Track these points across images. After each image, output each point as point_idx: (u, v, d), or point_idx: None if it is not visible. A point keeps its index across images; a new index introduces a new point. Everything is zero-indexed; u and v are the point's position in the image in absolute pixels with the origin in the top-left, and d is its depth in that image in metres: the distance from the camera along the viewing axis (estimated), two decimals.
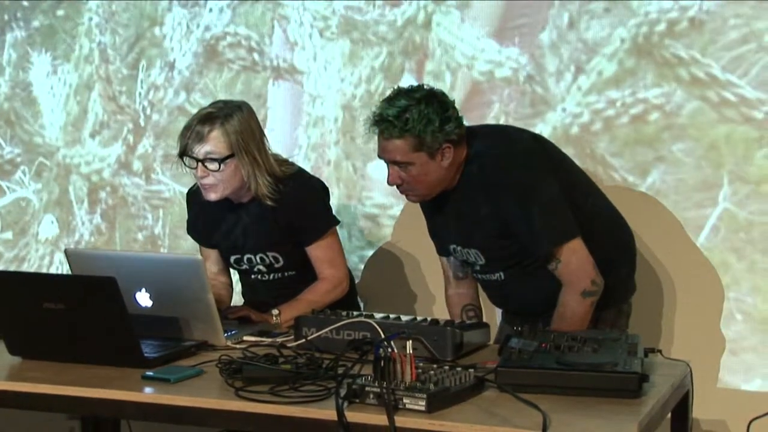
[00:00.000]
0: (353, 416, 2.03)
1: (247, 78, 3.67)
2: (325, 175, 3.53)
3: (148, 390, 2.26)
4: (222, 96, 3.64)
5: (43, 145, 4.01)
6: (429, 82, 3.34)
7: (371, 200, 3.52)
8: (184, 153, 2.85)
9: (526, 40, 3.29)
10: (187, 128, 2.85)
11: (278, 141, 3.58)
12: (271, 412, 2.11)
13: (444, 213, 2.84)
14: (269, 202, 2.90)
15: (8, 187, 4.07)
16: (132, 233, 3.89)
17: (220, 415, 2.17)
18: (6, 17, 3.99)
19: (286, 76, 3.62)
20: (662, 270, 3.22)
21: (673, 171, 3.16)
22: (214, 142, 2.82)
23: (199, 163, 2.83)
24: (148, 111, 3.82)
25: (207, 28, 3.71)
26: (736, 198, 3.10)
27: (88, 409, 2.40)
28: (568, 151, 3.17)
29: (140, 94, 3.83)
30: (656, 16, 3.14)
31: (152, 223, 3.86)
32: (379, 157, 2.77)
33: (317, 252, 2.96)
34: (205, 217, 3.06)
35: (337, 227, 3.02)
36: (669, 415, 2.37)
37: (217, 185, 2.86)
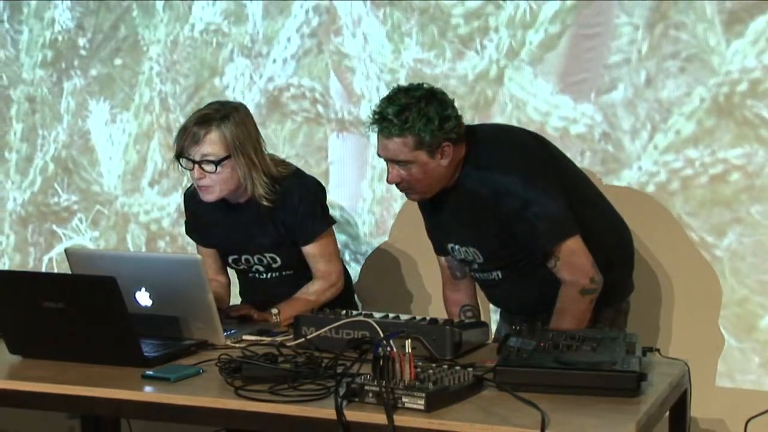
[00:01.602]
0: (352, 415, 2.03)
1: (309, 130, 3.62)
2: (389, 226, 3.54)
3: (148, 389, 2.27)
4: (286, 149, 3.61)
5: (101, 194, 3.97)
6: None
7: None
8: (180, 155, 2.85)
9: (600, 97, 3.23)
10: (184, 130, 2.86)
11: (342, 194, 3.58)
12: (270, 411, 2.12)
13: (442, 211, 2.85)
14: (266, 203, 2.90)
15: (65, 234, 4.04)
16: None
17: (219, 414, 2.18)
18: (64, 65, 3.97)
19: (351, 128, 3.57)
20: (660, 269, 3.22)
21: (750, 233, 3.10)
22: (211, 144, 2.82)
23: (196, 165, 2.84)
24: None
25: (270, 79, 3.66)
26: None
27: (88, 408, 2.41)
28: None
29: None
30: (738, 75, 3.07)
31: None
32: (379, 155, 2.77)
33: (313, 251, 2.97)
34: (202, 218, 3.06)
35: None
36: (667, 413, 2.37)
37: (214, 186, 2.87)
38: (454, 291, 3.01)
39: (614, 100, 3.22)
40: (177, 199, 3.83)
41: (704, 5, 3.10)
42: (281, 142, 3.65)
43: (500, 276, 2.83)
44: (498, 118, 3.34)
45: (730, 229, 3.13)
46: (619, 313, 2.91)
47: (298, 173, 3.00)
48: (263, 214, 2.94)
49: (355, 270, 3.55)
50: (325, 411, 2.06)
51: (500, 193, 2.69)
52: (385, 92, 3.43)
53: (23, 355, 2.52)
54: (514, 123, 3.30)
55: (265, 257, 3.01)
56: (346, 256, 3.52)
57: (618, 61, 3.21)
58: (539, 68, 3.31)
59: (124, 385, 2.28)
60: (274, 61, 3.66)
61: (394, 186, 2.79)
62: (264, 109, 3.67)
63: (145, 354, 2.42)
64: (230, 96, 3.70)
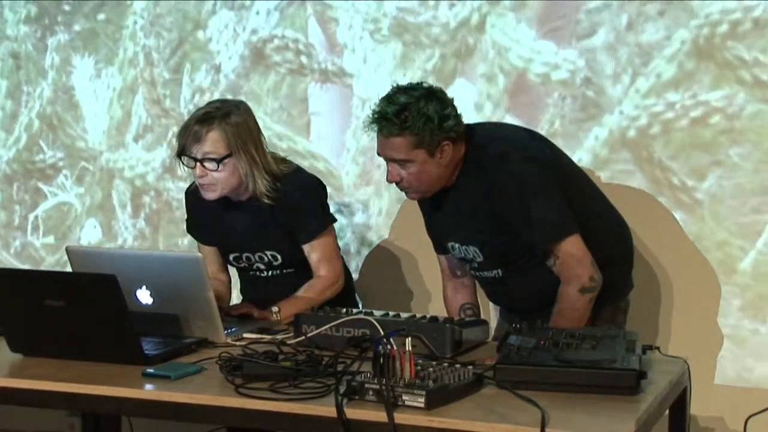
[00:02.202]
0: (352, 413, 2.04)
1: (293, 81, 3.61)
2: (376, 178, 3.53)
3: (148, 387, 2.27)
4: (269, 100, 3.60)
5: (86, 150, 3.97)
6: (482, 84, 3.32)
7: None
8: (182, 153, 2.86)
9: (582, 42, 3.23)
10: (185, 128, 2.86)
11: (325, 145, 3.57)
12: (271, 409, 2.12)
13: (442, 210, 2.85)
14: (267, 201, 2.91)
15: (50, 192, 4.04)
16: (175, 238, 3.85)
17: (220, 412, 2.18)
18: (47, 21, 3.97)
19: (335, 79, 3.56)
20: (660, 267, 3.23)
21: (730, 175, 3.11)
22: (212, 142, 2.83)
23: (198, 163, 2.84)
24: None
25: (254, 31, 3.65)
26: None
27: (89, 406, 2.41)
28: (624, 154, 3.16)
29: (185, 97, 3.78)
30: (718, 17, 3.07)
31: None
32: (379, 154, 2.77)
33: (314, 250, 2.97)
34: (203, 216, 3.07)
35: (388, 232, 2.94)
36: (667, 411, 2.38)
37: (216, 185, 2.87)
38: (454, 289, 3.02)
39: (595, 44, 3.23)
40: (162, 153, 3.85)
41: None
42: (265, 93, 3.64)
43: (500, 274, 2.84)
44: (480, 66, 3.35)
45: (710, 171, 3.13)
46: (618, 311, 2.91)
47: (299, 171, 3.00)
48: (264, 212, 2.94)
49: (354, 264, 3.56)
50: (326, 409, 2.06)
51: (499, 192, 2.70)
52: (368, 42, 3.47)
53: (24, 353, 2.53)
54: (496, 70, 3.32)
55: (265, 255, 3.01)
56: (332, 208, 3.52)
57: (599, 6, 3.22)
58: (521, 14, 3.31)
59: (124, 383, 2.28)
60: (258, 12, 3.65)
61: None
62: (248, 61, 3.68)
63: (146, 352, 2.42)
64: (214, 48, 3.70)
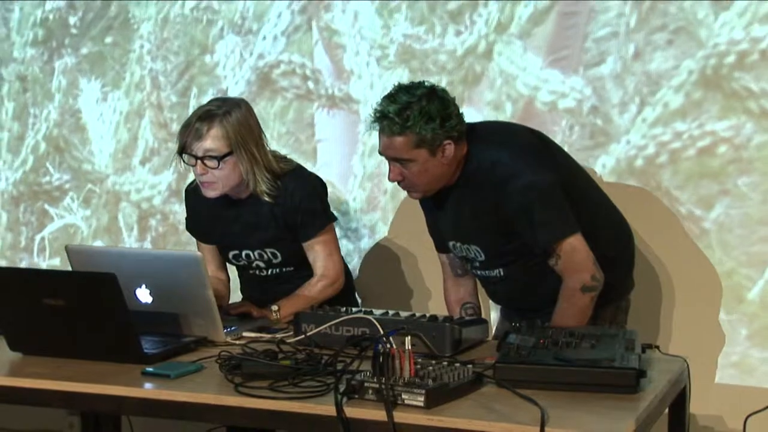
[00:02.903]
0: (352, 412, 2.04)
1: (300, 106, 3.62)
2: (382, 204, 3.54)
3: (148, 386, 2.27)
4: (276, 126, 3.62)
5: (93, 172, 3.97)
6: (489, 112, 3.32)
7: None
8: (183, 150, 2.86)
9: (589, 71, 3.23)
10: (187, 126, 2.86)
11: (332, 170, 3.57)
12: (270, 408, 2.12)
13: (444, 209, 2.85)
14: (267, 199, 2.91)
15: (57, 214, 4.04)
16: None
17: (219, 411, 2.18)
18: (55, 44, 3.97)
19: (342, 105, 3.57)
20: (660, 266, 3.22)
21: (738, 205, 3.11)
22: (213, 140, 2.83)
23: (198, 161, 2.84)
24: None
25: (260, 56, 3.65)
26: None
27: (88, 405, 2.41)
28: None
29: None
30: (725, 48, 3.07)
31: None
32: (380, 153, 2.77)
33: (314, 248, 2.97)
34: (203, 214, 3.07)
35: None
36: (666, 410, 2.37)
37: (216, 182, 2.87)
38: (455, 288, 3.01)
39: (603, 73, 3.23)
40: (168, 177, 3.85)
41: None
42: (272, 118, 3.65)
43: (501, 273, 2.83)
44: (487, 93, 3.35)
45: (718, 201, 3.12)
46: (619, 310, 2.91)
47: (299, 169, 3.00)
48: (264, 210, 2.94)
49: (353, 265, 3.55)
50: (325, 408, 2.06)
51: (501, 191, 2.69)
52: (375, 68, 3.47)
53: (23, 352, 2.53)
54: (503, 98, 3.32)
55: (265, 253, 3.01)
56: (338, 232, 3.53)
57: (606, 35, 3.21)
58: (528, 42, 3.31)
59: (124, 382, 2.28)
60: (264, 37, 3.66)
61: (383, 162, 2.78)
62: (254, 86, 3.68)
63: (145, 351, 2.43)
64: (221, 73, 3.71)
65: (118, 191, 3.94)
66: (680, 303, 3.22)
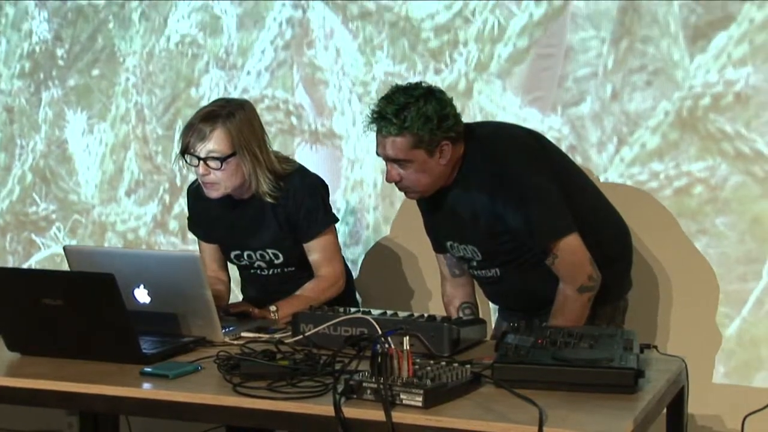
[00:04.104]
0: (350, 412, 2.04)
1: (284, 140, 3.64)
2: (364, 239, 3.57)
3: (146, 386, 2.27)
4: None
5: (79, 203, 4.00)
6: None
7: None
8: (185, 151, 2.86)
9: (567, 110, 3.27)
10: (190, 126, 2.86)
11: None
12: (268, 408, 2.12)
13: (441, 209, 2.85)
14: (269, 200, 2.91)
15: (43, 243, 4.07)
16: None
17: (218, 411, 2.18)
18: (42, 76, 4.00)
19: (325, 140, 3.60)
20: (658, 266, 3.23)
21: (716, 244, 3.14)
22: (216, 141, 2.83)
23: (201, 161, 2.84)
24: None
25: (245, 90, 3.68)
26: None
27: (87, 405, 2.41)
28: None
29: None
30: (701, 90, 3.11)
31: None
32: (378, 154, 2.77)
33: (315, 249, 2.97)
34: (205, 214, 3.07)
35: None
36: (665, 410, 2.38)
37: (219, 183, 2.87)
38: (453, 288, 3.02)
39: (581, 113, 3.26)
40: (153, 209, 3.89)
41: (669, 20, 3.14)
42: None
43: (498, 273, 2.84)
44: None
45: (696, 240, 3.16)
46: (617, 310, 2.91)
47: (302, 170, 3.00)
48: (266, 210, 2.94)
49: (353, 268, 3.55)
50: (324, 408, 2.06)
51: (498, 192, 2.70)
52: (357, 105, 3.51)
53: (22, 352, 2.53)
54: None
55: (267, 253, 3.01)
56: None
57: (585, 75, 3.25)
58: (508, 81, 3.35)
59: (122, 382, 2.28)
60: (249, 72, 3.70)
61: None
62: None
63: (144, 351, 2.42)
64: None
65: (104, 222, 3.98)
66: (678, 303, 3.22)
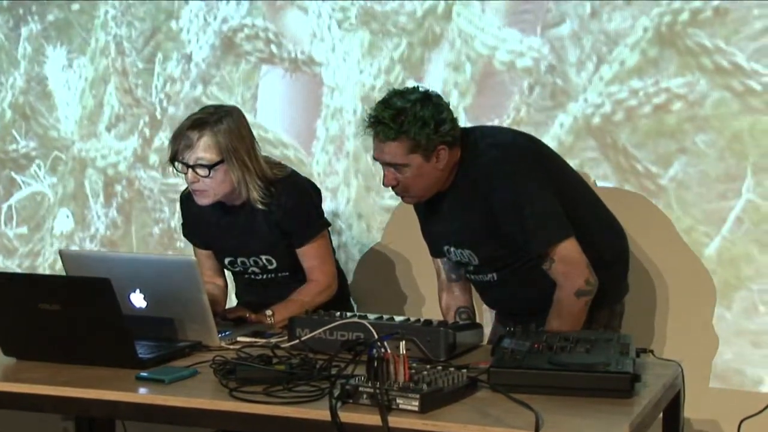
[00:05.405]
0: (347, 416, 2.03)
1: (264, 70, 3.65)
2: (344, 167, 3.55)
3: (142, 390, 2.27)
4: (241, 90, 3.64)
5: (59, 139, 3.99)
6: (449, 72, 3.35)
7: (390, 192, 3.45)
8: (174, 158, 2.86)
9: (547, 31, 3.27)
10: (178, 134, 2.86)
11: (296, 133, 3.61)
12: (265, 413, 2.12)
13: (438, 214, 2.85)
14: (260, 206, 2.91)
15: (23, 182, 4.06)
16: (148, 227, 3.87)
17: (214, 416, 2.18)
18: (21, 11, 3.99)
19: (304, 68, 3.60)
20: (655, 271, 3.23)
21: (695, 162, 3.13)
22: (204, 148, 2.83)
23: (190, 169, 2.84)
24: (165, 104, 3.80)
25: (224, 20, 3.68)
26: (760, 189, 3.08)
27: (83, 410, 2.41)
28: (590, 142, 3.18)
29: (156, 87, 3.81)
30: (679, 5, 3.11)
31: (168, 217, 3.85)
32: (374, 159, 2.77)
33: (307, 254, 2.97)
34: (199, 220, 3.07)
35: (356, 221, 2.95)
36: (661, 414, 2.38)
37: (208, 191, 2.87)
38: (450, 293, 3.01)
39: (561, 33, 3.26)
40: (133, 143, 3.88)
41: None
42: (236, 83, 3.68)
43: (495, 278, 2.84)
44: (447, 54, 3.38)
45: (676, 159, 3.15)
46: (613, 314, 2.91)
47: (293, 175, 3.00)
48: (258, 217, 2.94)
49: (349, 269, 3.55)
50: (320, 412, 2.06)
51: (494, 196, 2.70)
52: (336, 31, 3.51)
53: (18, 357, 2.52)
54: (463, 59, 3.35)
55: (260, 259, 3.01)
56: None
57: None
58: (486, 3, 3.35)
59: (118, 387, 2.28)
60: (228, 2, 3.68)
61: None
62: (219, 50, 3.71)
63: (140, 355, 2.42)
64: (185, 38, 3.73)
65: (84, 158, 3.96)
66: (674, 307, 3.22)
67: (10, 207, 4.08)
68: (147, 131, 3.84)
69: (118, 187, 3.92)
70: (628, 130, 3.20)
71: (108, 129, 3.91)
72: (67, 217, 4.01)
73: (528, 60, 3.31)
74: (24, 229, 4.05)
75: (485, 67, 3.36)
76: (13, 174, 4.07)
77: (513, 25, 3.32)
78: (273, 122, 3.67)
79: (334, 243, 3.24)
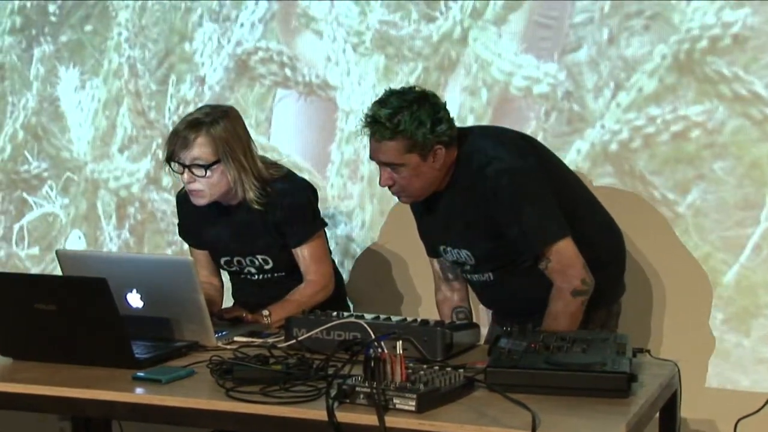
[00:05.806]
0: (343, 416, 2.03)
1: (280, 94, 3.63)
2: (359, 191, 3.55)
3: (139, 390, 2.27)
4: (255, 113, 3.64)
5: (71, 160, 3.98)
6: (465, 97, 3.34)
7: (405, 216, 3.41)
8: (170, 158, 2.86)
9: (564, 56, 3.26)
10: (174, 134, 2.87)
11: (310, 156, 3.60)
12: (261, 413, 2.12)
13: (434, 213, 2.85)
14: (257, 206, 2.90)
15: (35, 203, 4.05)
16: (160, 249, 3.85)
17: (210, 416, 2.18)
18: (34, 32, 3.98)
19: (319, 91, 3.59)
20: (651, 271, 3.23)
21: (713, 189, 3.12)
22: (200, 148, 2.83)
23: (186, 169, 2.84)
24: None
25: (238, 43, 3.67)
26: None
27: (79, 410, 2.40)
28: (607, 168, 3.18)
29: (170, 109, 3.79)
30: (698, 32, 3.09)
31: (181, 240, 3.82)
32: (371, 158, 2.77)
33: (304, 254, 2.97)
34: (195, 220, 3.07)
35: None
36: (657, 414, 2.38)
37: (204, 191, 2.87)
38: (447, 293, 3.01)
39: (578, 59, 3.25)
40: (146, 164, 3.86)
41: None
42: (250, 106, 3.67)
43: (492, 278, 2.84)
44: (463, 79, 3.37)
45: (693, 185, 3.14)
46: (610, 314, 2.91)
47: (289, 175, 3.00)
48: (255, 217, 2.94)
49: (345, 269, 3.55)
50: (317, 412, 2.06)
51: (491, 196, 2.70)
52: (351, 55, 3.49)
53: (14, 357, 2.52)
54: (479, 84, 3.34)
55: (257, 259, 3.01)
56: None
57: (582, 20, 3.24)
58: (503, 28, 3.33)
59: (115, 387, 2.28)
60: (242, 24, 3.68)
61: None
62: (232, 73, 3.70)
63: (136, 355, 2.42)
64: (198, 60, 3.72)
65: (96, 179, 3.95)
66: (671, 307, 3.22)
67: (21, 227, 4.07)
68: (160, 153, 3.81)
69: (131, 209, 3.91)
70: (646, 157, 3.18)
71: (121, 150, 3.91)
72: (79, 238, 4.00)
73: (545, 86, 3.28)
74: (35, 250, 4.04)
75: (502, 93, 3.34)
76: (24, 195, 4.07)
77: (530, 51, 3.30)
78: (287, 146, 3.64)
79: (331, 244, 3.23)
